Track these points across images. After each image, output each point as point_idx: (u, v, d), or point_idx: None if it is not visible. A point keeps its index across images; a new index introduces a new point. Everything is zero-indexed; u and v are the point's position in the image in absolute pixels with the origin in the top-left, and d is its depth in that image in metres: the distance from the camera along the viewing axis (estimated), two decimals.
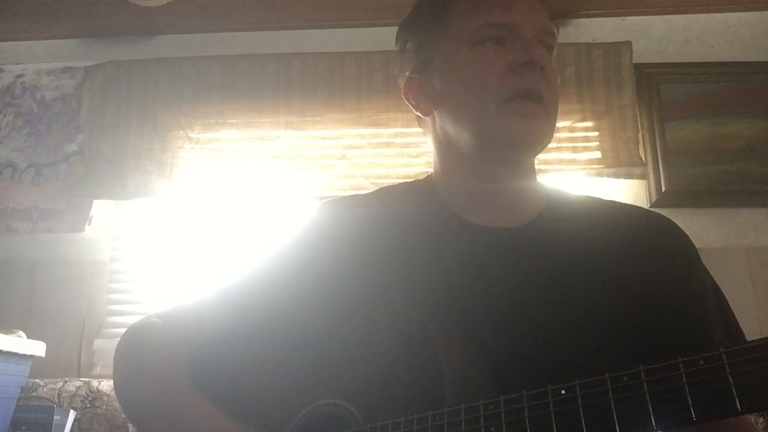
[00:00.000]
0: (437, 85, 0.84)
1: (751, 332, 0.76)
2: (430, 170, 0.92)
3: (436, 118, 0.87)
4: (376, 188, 0.96)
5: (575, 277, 0.76)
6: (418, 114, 0.90)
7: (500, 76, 0.78)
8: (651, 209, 0.89)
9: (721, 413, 0.49)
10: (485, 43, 0.79)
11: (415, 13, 0.90)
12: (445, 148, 0.86)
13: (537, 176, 0.87)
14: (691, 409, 0.49)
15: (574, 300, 0.74)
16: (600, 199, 0.89)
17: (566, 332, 0.72)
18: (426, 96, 0.87)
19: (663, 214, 0.87)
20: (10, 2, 2.21)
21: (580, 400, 0.55)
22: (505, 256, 0.79)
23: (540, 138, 0.79)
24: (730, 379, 0.48)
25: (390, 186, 0.96)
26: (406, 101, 0.91)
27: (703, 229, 2.07)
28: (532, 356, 0.71)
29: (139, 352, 0.80)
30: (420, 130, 0.95)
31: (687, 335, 0.74)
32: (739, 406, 0.47)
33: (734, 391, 0.48)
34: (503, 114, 0.77)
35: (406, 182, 0.95)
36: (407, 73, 0.89)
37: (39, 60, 2.40)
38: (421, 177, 0.94)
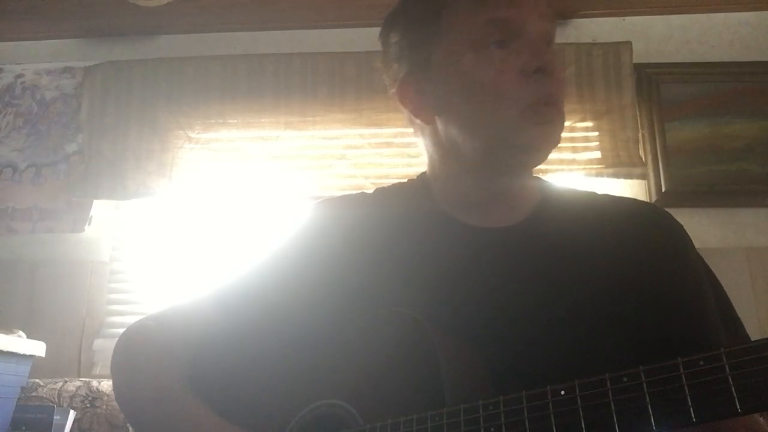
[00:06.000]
0: (439, 91, 0.80)
1: (751, 332, 0.76)
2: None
3: (439, 125, 0.83)
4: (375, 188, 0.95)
5: (570, 273, 0.76)
6: (417, 121, 0.85)
7: (516, 82, 0.74)
8: (644, 201, 0.89)
9: (720, 414, 0.48)
10: (489, 45, 0.75)
11: (403, 7, 0.85)
12: (447, 153, 0.83)
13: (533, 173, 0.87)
14: (691, 409, 0.49)
15: (569, 296, 0.74)
16: (593, 192, 0.88)
17: (562, 328, 0.72)
18: (425, 102, 0.82)
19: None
20: (10, 2, 2.21)
21: (579, 401, 0.54)
22: (500, 255, 0.78)
23: (556, 141, 0.78)
24: (730, 380, 0.48)
25: (384, 186, 0.94)
26: (402, 106, 0.85)
27: (703, 229, 2.06)
28: (529, 354, 0.71)
29: (135, 358, 0.80)
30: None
31: (684, 327, 0.74)
32: (739, 407, 0.47)
33: (734, 392, 0.48)
34: (524, 121, 0.75)
35: (400, 182, 0.94)
36: (401, 75, 0.84)
37: (39, 60, 2.40)
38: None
